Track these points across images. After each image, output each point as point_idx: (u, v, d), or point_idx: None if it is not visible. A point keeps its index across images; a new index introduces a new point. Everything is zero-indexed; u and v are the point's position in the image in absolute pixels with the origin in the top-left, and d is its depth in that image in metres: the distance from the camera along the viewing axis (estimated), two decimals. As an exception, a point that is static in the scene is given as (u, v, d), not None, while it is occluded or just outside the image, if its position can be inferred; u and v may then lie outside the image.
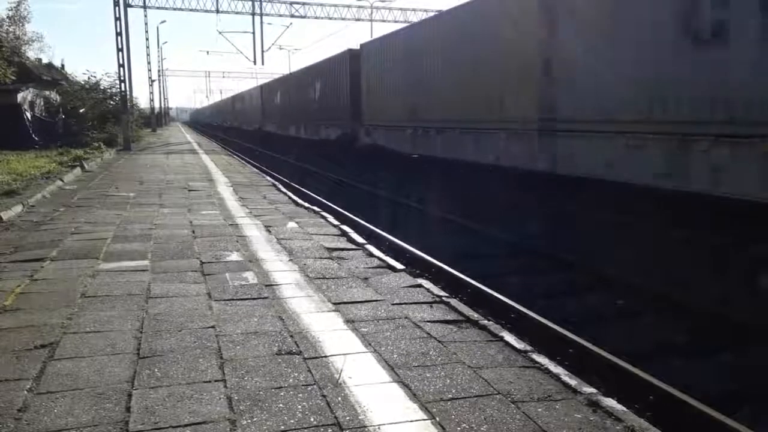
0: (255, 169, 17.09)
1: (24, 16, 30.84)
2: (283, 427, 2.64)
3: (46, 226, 7.58)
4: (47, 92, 26.01)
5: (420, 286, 4.96)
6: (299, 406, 2.83)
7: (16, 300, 4.44)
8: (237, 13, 32.15)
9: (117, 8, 24.27)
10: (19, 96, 22.66)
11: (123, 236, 6.85)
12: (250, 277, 5.14)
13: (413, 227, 9.10)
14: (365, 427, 2.66)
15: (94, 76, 29.40)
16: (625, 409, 2.90)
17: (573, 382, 3.16)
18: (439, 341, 3.71)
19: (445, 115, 12.33)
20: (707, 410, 3.51)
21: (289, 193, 11.27)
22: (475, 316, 4.21)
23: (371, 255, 6.09)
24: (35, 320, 3.98)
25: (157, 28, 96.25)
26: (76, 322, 3.94)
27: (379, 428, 2.66)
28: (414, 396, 2.96)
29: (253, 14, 31.89)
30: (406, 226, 9.07)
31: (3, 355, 3.41)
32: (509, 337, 3.80)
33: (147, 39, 43.87)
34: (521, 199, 9.70)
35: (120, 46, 24.30)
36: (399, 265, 5.64)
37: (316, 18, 34.00)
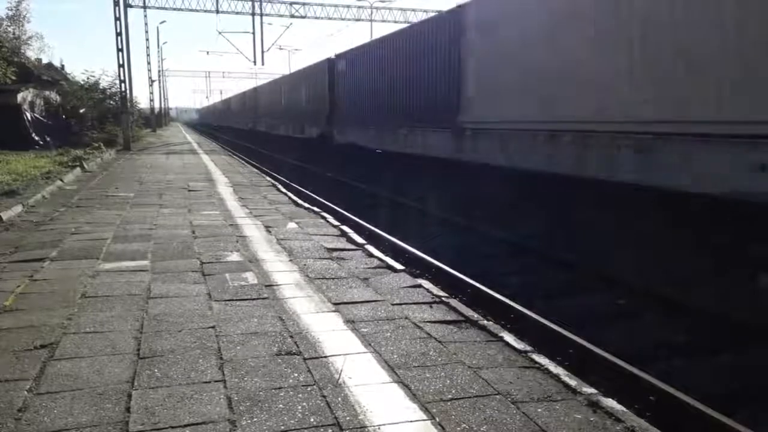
0: (255, 169, 17.10)
1: (24, 15, 30.86)
2: (283, 428, 2.64)
3: (46, 226, 7.57)
4: (47, 92, 25.95)
5: (420, 286, 4.96)
6: (299, 407, 2.83)
7: (16, 300, 4.44)
8: (237, 13, 32.12)
9: (117, 8, 24.26)
10: (19, 96, 22.61)
11: (123, 236, 6.85)
12: (250, 277, 5.14)
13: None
14: (365, 427, 2.66)
15: (93, 76, 29.38)
16: (625, 409, 2.90)
17: (573, 382, 3.16)
18: (439, 341, 3.71)
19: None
20: (707, 410, 3.51)
21: (290, 194, 11.27)
22: (474, 316, 4.21)
23: (371, 255, 6.10)
24: (35, 320, 3.97)
25: (157, 28, 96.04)
26: (76, 323, 3.94)
27: (378, 428, 2.66)
28: (414, 396, 2.96)
29: (253, 14, 31.86)
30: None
31: (3, 355, 3.41)
32: (509, 338, 3.80)
33: (147, 39, 43.82)
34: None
35: (120, 46, 24.29)
36: (399, 266, 5.64)
37: (316, 18, 34.00)
